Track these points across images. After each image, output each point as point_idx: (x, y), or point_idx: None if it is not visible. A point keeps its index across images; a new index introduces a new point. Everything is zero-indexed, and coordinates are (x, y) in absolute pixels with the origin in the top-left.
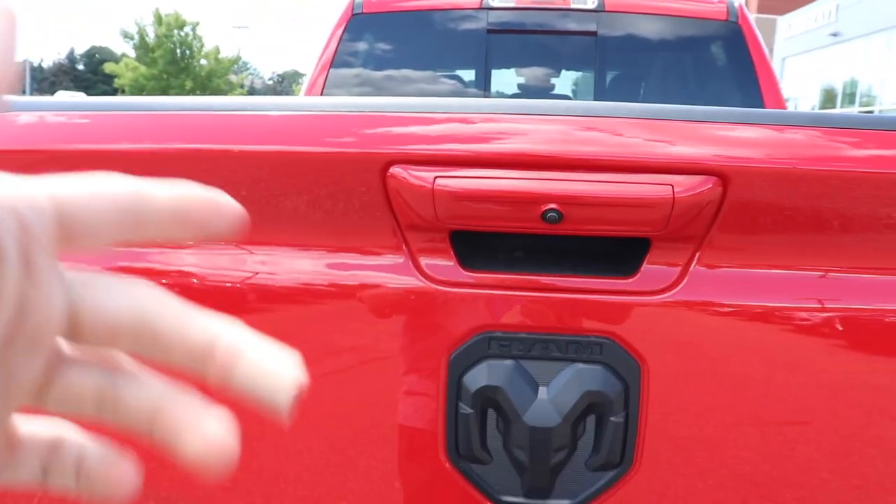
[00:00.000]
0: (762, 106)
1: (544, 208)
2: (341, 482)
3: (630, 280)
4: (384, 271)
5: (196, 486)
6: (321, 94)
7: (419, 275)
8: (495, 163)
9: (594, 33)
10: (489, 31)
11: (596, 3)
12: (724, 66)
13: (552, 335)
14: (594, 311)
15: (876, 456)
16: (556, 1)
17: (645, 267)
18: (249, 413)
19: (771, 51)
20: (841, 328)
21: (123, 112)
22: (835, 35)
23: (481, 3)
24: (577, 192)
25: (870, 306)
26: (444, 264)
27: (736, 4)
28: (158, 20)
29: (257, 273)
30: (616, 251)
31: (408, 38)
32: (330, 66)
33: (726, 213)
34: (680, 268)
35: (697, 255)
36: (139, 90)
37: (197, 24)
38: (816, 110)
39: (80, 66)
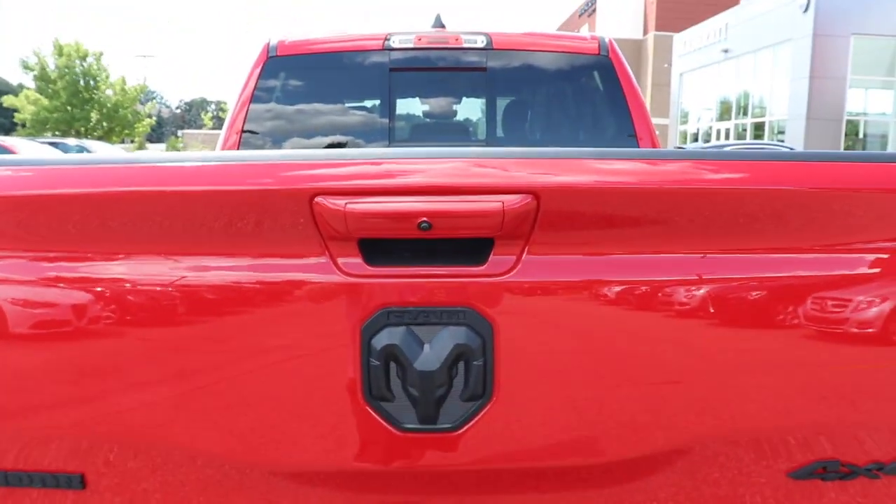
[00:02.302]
0: (632, 128)
1: (418, 221)
2: (294, 421)
3: (482, 267)
4: (313, 269)
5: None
6: (242, 129)
7: (338, 270)
8: (384, 192)
9: (484, 68)
10: (391, 70)
11: (485, 42)
12: (598, 94)
13: (431, 307)
14: (459, 289)
15: (650, 374)
16: (450, 41)
17: (492, 258)
18: (218, 372)
19: (669, 66)
20: (618, 293)
21: (133, 165)
22: (726, 51)
23: (383, 45)
24: (440, 209)
25: (636, 278)
26: (354, 262)
27: (607, 40)
28: (59, 50)
29: (224, 276)
30: (472, 248)
31: (318, 77)
32: (249, 103)
33: (541, 219)
34: (515, 257)
35: (526, 248)
36: (42, 123)
37: (101, 53)
38: (714, 120)
39: None
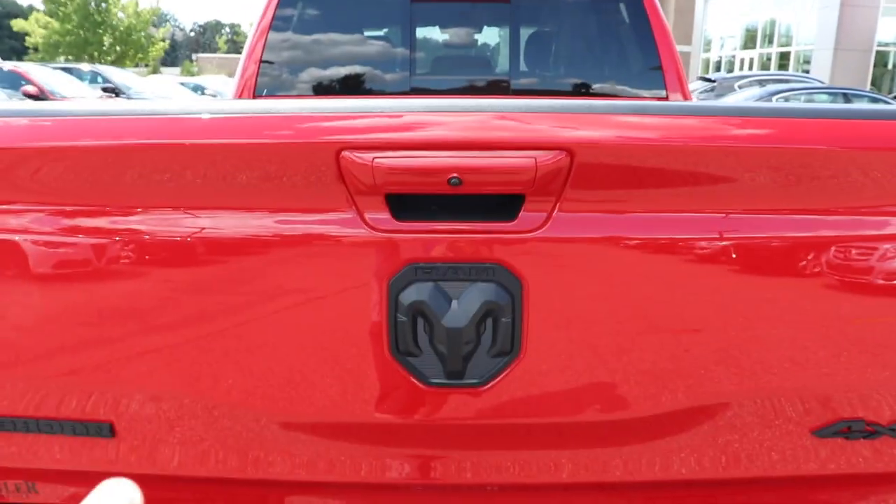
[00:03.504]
0: (658, 60)
1: (448, 176)
2: (319, 374)
3: (512, 223)
4: (341, 224)
5: (197, 384)
6: (260, 58)
7: (365, 225)
8: (413, 146)
9: (507, 0)
10: (412, 1)
11: None
12: (623, 26)
13: (460, 263)
14: (488, 245)
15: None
16: None
17: (522, 214)
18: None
19: None
20: (647, 251)
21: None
22: None
23: None
24: (471, 164)
25: (666, 235)
26: (382, 217)
27: None
28: None
29: (251, 231)
30: (502, 204)
31: (338, 6)
32: (267, 33)
33: (574, 175)
34: (546, 213)
35: (557, 204)
36: (54, 48)
37: None
38: (738, 48)
39: None
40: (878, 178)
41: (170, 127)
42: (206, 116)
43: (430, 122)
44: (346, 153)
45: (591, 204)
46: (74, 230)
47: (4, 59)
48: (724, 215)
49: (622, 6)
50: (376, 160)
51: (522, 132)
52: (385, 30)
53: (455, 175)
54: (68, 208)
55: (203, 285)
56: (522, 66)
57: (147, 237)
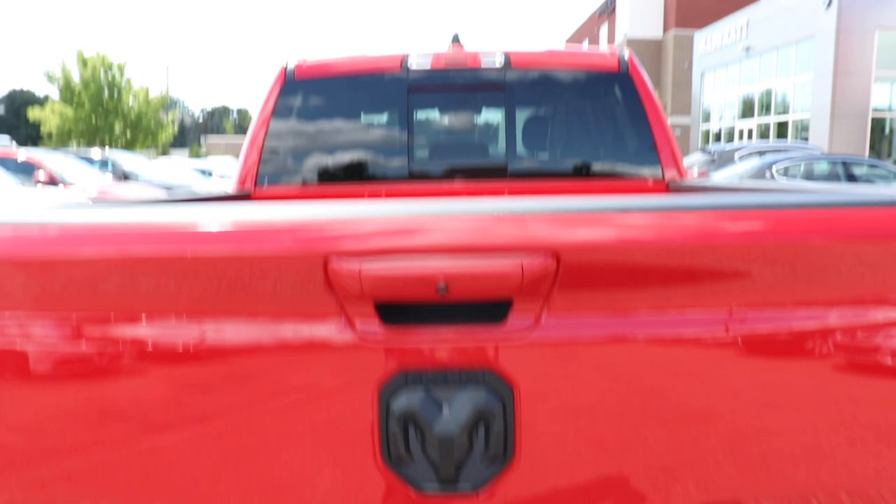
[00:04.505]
0: (653, 141)
1: (436, 284)
2: (311, 483)
3: (500, 328)
4: (329, 332)
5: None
6: (262, 147)
7: (354, 333)
8: (399, 252)
9: (503, 88)
10: (410, 91)
11: (502, 62)
12: (618, 109)
13: (449, 370)
14: (477, 351)
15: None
16: (468, 61)
17: (510, 318)
18: (238, 433)
19: (690, 65)
20: (639, 352)
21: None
22: (748, 49)
23: (401, 66)
24: (457, 270)
25: (658, 335)
26: (371, 324)
27: (626, 56)
28: (83, 62)
29: (240, 339)
30: (489, 308)
31: (337, 99)
32: (268, 124)
33: (561, 278)
34: (534, 316)
35: (545, 307)
36: (66, 134)
37: (124, 64)
38: (736, 118)
39: (0, 111)
40: (879, 266)
41: (155, 238)
42: (188, 229)
43: (416, 228)
44: (333, 261)
45: (579, 306)
46: (74, 337)
47: (20, 144)
48: (713, 310)
49: (616, 91)
50: (363, 269)
51: (508, 236)
52: (383, 117)
53: (443, 283)
54: (72, 314)
55: (192, 394)
56: (519, 150)
57: (138, 347)
